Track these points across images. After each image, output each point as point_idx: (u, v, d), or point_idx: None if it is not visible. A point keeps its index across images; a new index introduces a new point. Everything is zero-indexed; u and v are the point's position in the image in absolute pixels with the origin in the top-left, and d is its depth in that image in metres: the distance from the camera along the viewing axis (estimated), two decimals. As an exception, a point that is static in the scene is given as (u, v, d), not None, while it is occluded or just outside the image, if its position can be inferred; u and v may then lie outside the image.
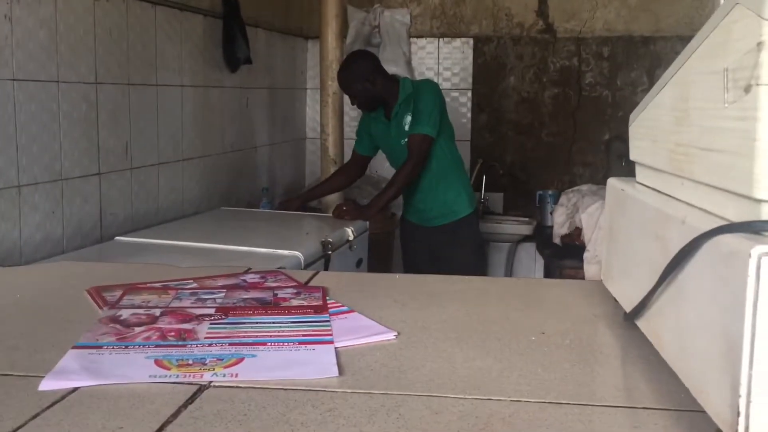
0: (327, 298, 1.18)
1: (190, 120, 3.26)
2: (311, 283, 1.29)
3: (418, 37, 4.50)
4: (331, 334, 1.01)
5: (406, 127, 3.31)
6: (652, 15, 4.34)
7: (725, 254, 0.70)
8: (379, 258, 3.83)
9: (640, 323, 0.99)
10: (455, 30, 4.48)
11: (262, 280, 1.27)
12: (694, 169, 0.84)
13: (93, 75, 2.58)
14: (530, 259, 4.58)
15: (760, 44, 0.67)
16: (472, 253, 3.54)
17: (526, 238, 4.51)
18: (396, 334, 1.03)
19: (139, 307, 1.10)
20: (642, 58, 4.40)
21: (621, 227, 1.12)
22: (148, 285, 1.22)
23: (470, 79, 4.49)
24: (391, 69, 4.36)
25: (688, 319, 0.81)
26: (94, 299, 1.14)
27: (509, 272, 4.58)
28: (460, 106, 4.52)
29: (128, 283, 1.22)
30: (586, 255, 3.54)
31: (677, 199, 0.92)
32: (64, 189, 2.46)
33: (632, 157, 1.11)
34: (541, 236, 4.33)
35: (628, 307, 1.05)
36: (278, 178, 4.33)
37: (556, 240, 3.90)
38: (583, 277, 3.53)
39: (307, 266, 2.51)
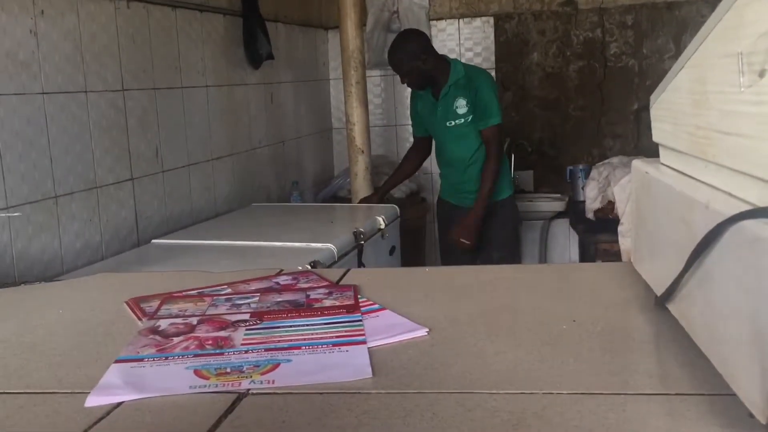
0: (358, 296, 1.20)
1: (216, 119, 3.29)
2: (342, 282, 1.31)
3: (437, 19, 4.48)
4: (363, 334, 1.03)
5: (459, 111, 3.38)
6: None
7: (749, 240, 0.70)
8: (412, 243, 3.85)
9: (671, 307, 0.99)
10: (474, 9, 4.44)
11: (294, 282, 1.29)
12: (716, 153, 0.84)
13: (119, 82, 2.62)
14: (564, 235, 4.56)
15: (772, 28, 0.66)
16: (509, 233, 3.61)
17: (559, 215, 4.49)
18: (427, 330, 1.05)
19: (177, 316, 1.13)
20: (667, 25, 4.32)
21: (648, 210, 1.11)
22: (184, 293, 1.25)
23: (493, 58, 4.46)
24: (412, 53, 4.35)
25: (717, 304, 0.81)
26: (133, 310, 1.18)
27: (543, 250, 4.57)
28: (485, 85, 4.49)
29: (165, 292, 1.25)
30: (620, 228, 3.51)
31: (701, 182, 0.91)
32: (99, 196, 2.51)
33: (655, 138, 1.11)
34: (574, 212, 4.31)
35: (658, 291, 1.05)
36: (307, 171, 4.36)
37: (590, 215, 3.87)
38: (618, 251, 3.51)
39: (340, 258, 2.54)
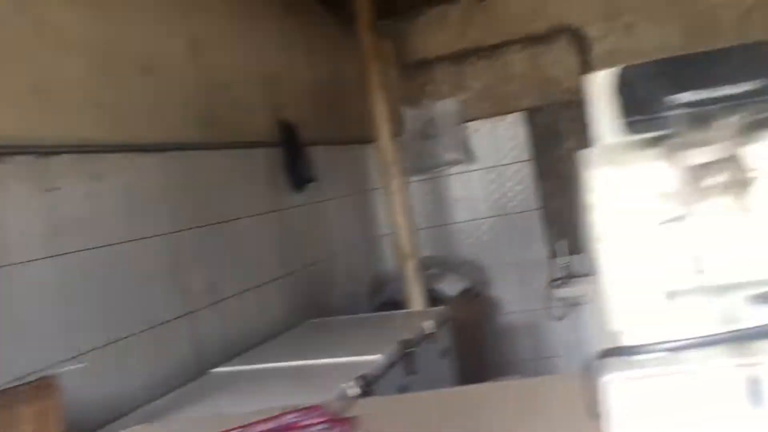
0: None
1: (267, 245, 3.47)
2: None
3: (470, 120, 4.65)
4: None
5: None
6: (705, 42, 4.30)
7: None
8: (470, 342, 3.86)
9: None
10: (506, 107, 4.60)
11: (299, 419, 1.41)
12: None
13: (174, 227, 2.86)
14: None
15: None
16: None
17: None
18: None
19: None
20: (700, 94, 4.37)
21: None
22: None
23: (529, 151, 4.58)
24: (450, 155, 4.55)
25: None
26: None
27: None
28: (524, 177, 4.61)
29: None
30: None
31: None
32: (161, 334, 2.71)
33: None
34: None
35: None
36: (361, 279, 4.47)
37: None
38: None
39: (391, 367, 2.64)
